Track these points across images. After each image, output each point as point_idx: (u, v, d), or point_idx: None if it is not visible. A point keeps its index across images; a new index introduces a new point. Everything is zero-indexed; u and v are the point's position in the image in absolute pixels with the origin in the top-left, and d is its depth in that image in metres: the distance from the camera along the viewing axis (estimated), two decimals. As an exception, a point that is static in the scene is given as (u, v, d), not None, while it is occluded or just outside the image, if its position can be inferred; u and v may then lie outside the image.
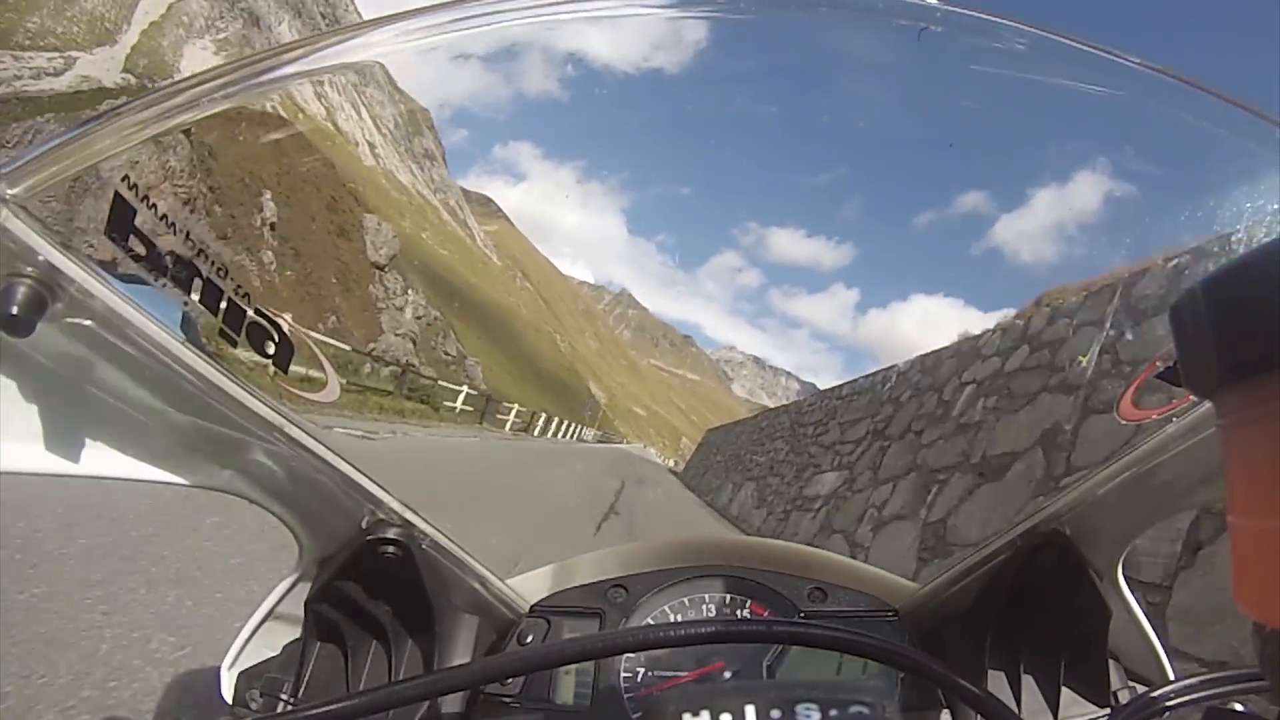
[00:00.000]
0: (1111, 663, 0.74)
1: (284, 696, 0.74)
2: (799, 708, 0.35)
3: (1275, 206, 0.51)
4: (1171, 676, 0.74)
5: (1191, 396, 0.53)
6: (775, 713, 0.34)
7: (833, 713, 0.34)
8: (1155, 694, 0.61)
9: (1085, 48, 0.51)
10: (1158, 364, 0.55)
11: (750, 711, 0.35)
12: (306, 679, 0.74)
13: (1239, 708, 0.52)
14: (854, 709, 0.35)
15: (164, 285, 0.46)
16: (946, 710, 0.82)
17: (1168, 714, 0.60)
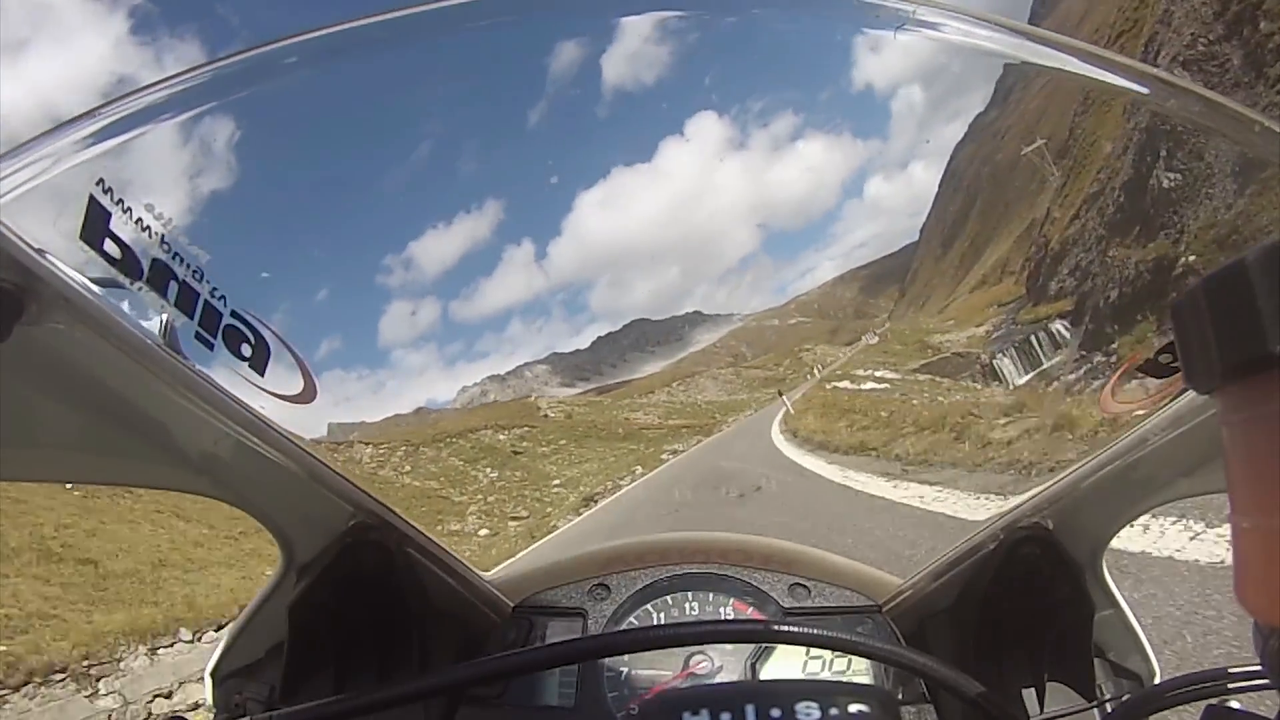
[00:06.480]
0: (1097, 658, 0.75)
1: (266, 701, 0.73)
2: (799, 706, 0.35)
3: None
4: (1158, 671, 0.75)
5: (1174, 389, 0.54)
6: (775, 711, 0.34)
7: (833, 711, 0.34)
8: (1153, 689, 0.61)
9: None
10: (1140, 357, 0.55)
11: (750, 711, 0.35)
12: (290, 683, 0.73)
13: (1237, 705, 0.52)
14: (853, 707, 0.35)
15: (140, 289, 0.44)
16: (931, 705, 0.83)
17: (1161, 711, 0.60)
